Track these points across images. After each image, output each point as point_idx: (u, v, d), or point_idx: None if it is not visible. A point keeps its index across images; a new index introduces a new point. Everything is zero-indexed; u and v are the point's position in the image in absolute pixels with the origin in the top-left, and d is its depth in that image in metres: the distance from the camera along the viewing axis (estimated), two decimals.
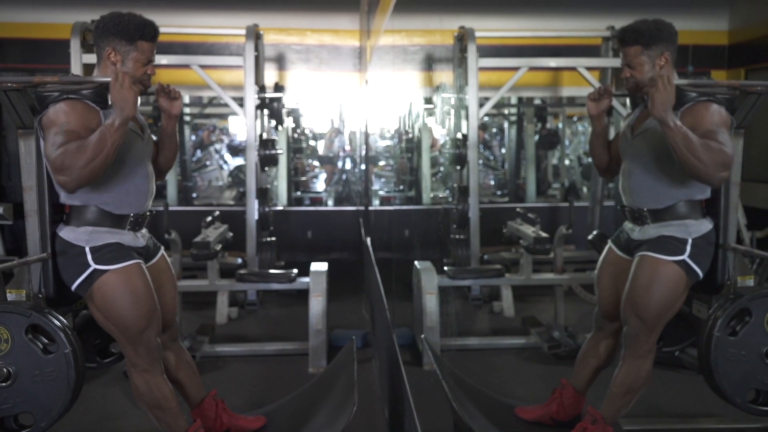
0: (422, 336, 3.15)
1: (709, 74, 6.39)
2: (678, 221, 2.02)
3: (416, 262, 3.47)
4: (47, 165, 1.83)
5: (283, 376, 3.22)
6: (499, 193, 7.69)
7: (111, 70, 1.92)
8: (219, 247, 3.18)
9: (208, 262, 3.30)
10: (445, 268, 3.62)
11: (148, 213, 2.03)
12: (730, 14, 6.29)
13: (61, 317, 1.82)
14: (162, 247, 2.14)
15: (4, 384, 1.75)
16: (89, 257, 1.88)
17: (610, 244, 2.24)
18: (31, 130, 1.88)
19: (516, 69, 4.30)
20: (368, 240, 4.33)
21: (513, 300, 4.15)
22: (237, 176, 9.69)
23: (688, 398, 2.87)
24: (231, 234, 3.71)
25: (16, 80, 1.76)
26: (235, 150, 13.00)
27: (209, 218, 3.36)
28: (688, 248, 2.00)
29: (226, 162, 11.91)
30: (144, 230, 2.06)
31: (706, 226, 2.04)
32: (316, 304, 3.25)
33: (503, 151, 8.03)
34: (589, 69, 4.55)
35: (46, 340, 1.79)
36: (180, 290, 3.49)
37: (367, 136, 5.59)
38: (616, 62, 4.58)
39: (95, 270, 1.88)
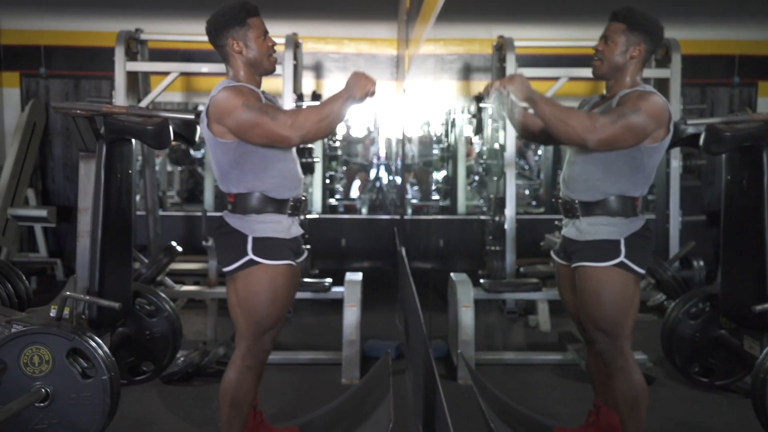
0: (458, 351, 3.11)
1: (756, 85, 6.23)
2: (608, 218, 1.98)
3: (452, 274, 3.43)
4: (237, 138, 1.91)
5: (316, 387, 3.21)
6: (534, 203, 7.59)
7: (241, 62, 2.01)
8: None
9: None
10: (481, 280, 3.57)
11: (303, 197, 2.12)
12: None
13: (101, 343, 1.84)
14: (306, 250, 2.23)
15: (41, 404, 1.78)
16: (249, 246, 1.96)
17: (553, 256, 2.20)
18: (92, 153, 1.92)
19: (556, 79, 4.25)
20: (403, 250, 4.30)
21: (549, 314, 4.07)
22: None
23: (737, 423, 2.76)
24: None
25: (85, 108, 1.81)
26: None
27: None
28: (623, 249, 1.96)
29: None
30: (298, 218, 2.13)
31: (637, 222, 2.00)
32: (350, 315, 3.24)
33: (537, 159, 7.93)
34: None
35: (85, 364, 1.81)
36: (216, 297, 3.54)
37: (404, 144, 5.57)
38: (658, 72, 4.49)
39: (251, 259, 1.96)
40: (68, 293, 1.84)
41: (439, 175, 7.97)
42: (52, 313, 1.82)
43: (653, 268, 3.35)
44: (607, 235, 1.98)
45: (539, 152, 7.86)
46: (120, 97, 3.92)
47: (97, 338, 1.82)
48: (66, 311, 1.84)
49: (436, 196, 7.67)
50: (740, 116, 1.96)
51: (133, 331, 2.16)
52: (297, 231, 2.08)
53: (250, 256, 1.96)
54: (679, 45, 4.44)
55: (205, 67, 4.06)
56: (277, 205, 2.01)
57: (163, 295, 2.28)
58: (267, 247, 1.98)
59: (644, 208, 4.88)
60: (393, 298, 4.86)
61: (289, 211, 2.04)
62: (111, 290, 1.95)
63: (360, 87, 1.94)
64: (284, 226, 2.04)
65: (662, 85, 4.48)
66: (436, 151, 7.07)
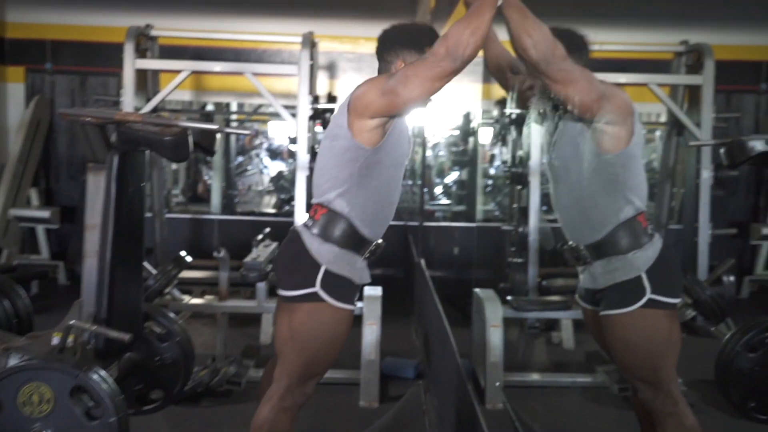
0: (485, 374, 2.92)
1: None
2: (621, 257, 1.76)
3: (477, 290, 3.24)
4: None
5: (333, 410, 3.03)
6: (544, 208, 7.38)
7: None
8: (270, 267, 3.02)
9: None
10: (508, 297, 3.38)
11: (381, 243, 1.89)
12: None
13: (109, 378, 1.63)
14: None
15: None
16: (319, 278, 1.76)
17: (578, 300, 1.98)
18: (102, 165, 1.72)
19: None
20: (422, 261, 4.11)
21: (573, 330, 3.89)
22: (278, 182, 9.61)
23: None
24: None
25: (97, 115, 1.60)
26: (275, 153, 12.98)
27: (260, 236, 3.21)
28: (647, 285, 1.74)
29: (266, 166, 11.87)
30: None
31: (655, 246, 1.78)
32: (370, 333, 3.05)
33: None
34: (660, 85, 4.27)
35: (90, 403, 1.60)
36: (228, 311, 3.35)
37: (424, 147, 5.38)
38: (689, 79, 4.29)
39: (316, 293, 1.76)
40: (73, 321, 1.65)
41: (450, 179, 7.82)
42: (54, 341, 1.64)
43: (689, 286, 3.16)
44: (625, 274, 1.76)
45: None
46: (128, 96, 3.74)
47: (103, 373, 1.63)
48: (70, 338, 1.65)
49: (446, 200, 7.49)
50: None
51: (142, 356, 1.97)
52: (366, 278, 1.87)
53: (317, 289, 1.74)
54: (712, 50, 4.24)
55: (217, 66, 3.88)
56: (359, 243, 1.80)
57: (174, 316, 2.09)
58: (338, 286, 1.76)
59: (669, 220, 4.69)
60: (408, 309, 4.67)
61: (367, 255, 1.84)
62: (120, 317, 1.75)
63: None
64: (359, 270, 1.83)
65: (694, 93, 4.29)
66: (454, 155, 6.88)
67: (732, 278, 3.83)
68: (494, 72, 2.03)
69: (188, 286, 4.05)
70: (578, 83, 1.65)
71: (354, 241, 1.79)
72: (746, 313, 4.85)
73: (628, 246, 1.77)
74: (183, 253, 3.31)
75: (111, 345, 1.71)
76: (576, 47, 1.78)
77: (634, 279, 1.75)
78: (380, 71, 1.85)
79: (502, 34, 1.94)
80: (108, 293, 1.67)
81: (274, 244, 3.33)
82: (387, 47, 1.83)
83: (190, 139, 1.66)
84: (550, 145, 1.89)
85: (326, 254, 1.76)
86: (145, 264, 3.31)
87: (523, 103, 2.00)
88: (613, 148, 1.73)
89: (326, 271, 1.75)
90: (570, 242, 1.87)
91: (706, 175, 4.15)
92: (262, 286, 3.20)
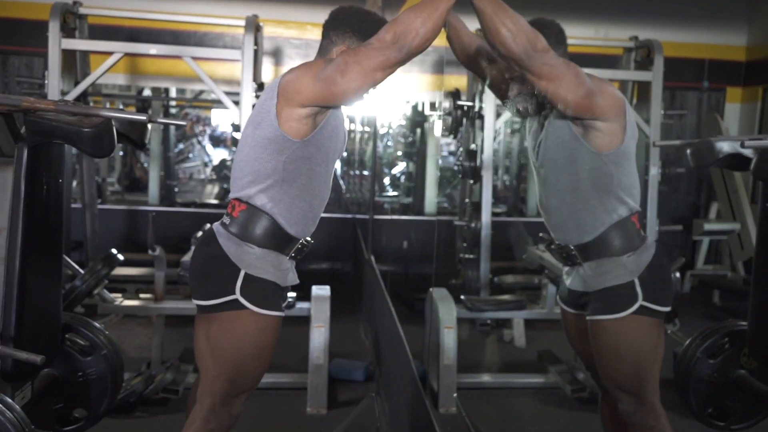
0: (438, 377, 2.81)
1: (724, 91, 6.17)
2: (613, 259, 1.67)
3: (432, 290, 3.12)
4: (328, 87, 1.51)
5: (279, 416, 2.86)
6: (493, 201, 7.37)
7: None
8: None
9: None
10: (462, 297, 3.28)
11: (309, 241, 1.70)
12: (749, 30, 6.04)
13: (14, 405, 1.40)
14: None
15: None
16: (239, 284, 1.57)
17: (560, 303, 1.90)
18: (9, 158, 1.47)
19: None
20: (372, 258, 3.97)
21: (524, 328, 3.84)
22: (221, 171, 9.28)
23: None
24: None
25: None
26: (218, 141, 12.56)
27: (200, 232, 2.98)
28: (639, 291, 1.65)
29: (208, 154, 11.46)
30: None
31: (649, 251, 1.69)
32: (318, 336, 2.89)
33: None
34: (610, 81, 4.26)
35: None
36: (164, 313, 3.12)
37: (375, 137, 5.22)
38: (639, 75, 4.29)
39: (236, 300, 1.57)
40: None
41: (397, 170, 7.70)
42: None
43: None
44: (618, 278, 1.66)
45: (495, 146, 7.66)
46: (53, 79, 3.43)
47: (8, 400, 1.39)
48: None
49: (394, 192, 7.38)
50: None
51: (63, 372, 1.75)
52: (293, 280, 1.69)
53: (237, 296, 1.56)
54: (661, 46, 4.25)
55: (153, 49, 3.59)
56: (284, 242, 1.62)
57: (100, 326, 1.87)
58: (260, 290, 1.58)
59: None
60: (356, 306, 4.53)
61: (293, 254, 1.66)
62: (33, 333, 1.52)
63: None
64: (284, 272, 1.65)
65: (643, 89, 4.30)
66: (404, 147, 6.76)
67: (677, 275, 3.86)
68: (466, 63, 1.87)
69: (121, 285, 3.78)
70: (564, 78, 1.51)
71: (278, 240, 1.61)
72: (689, 308, 4.95)
73: (622, 248, 1.67)
74: (114, 250, 3.05)
75: (23, 365, 1.48)
76: (550, 37, 1.66)
77: (626, 284, 1.66)
78: (321, 49, 1.67)
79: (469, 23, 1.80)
80: (17, 307, 1.44)
81: None
82: (336, 26, 1.65)
83: (116, 131, 1.45)
84: (536, 145, 1.76)
85: (246, 256, 1.58)
86: (72, 263, 3.05)
87: (503, 95, 1.86)
88: (605, 147, 1.62)
89: (246, 275, 1.57)
90: (557, 242, 1.76)
91: (655, 171, 4.17)
92: None
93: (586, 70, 1.62)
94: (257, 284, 1.58)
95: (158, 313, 3.06)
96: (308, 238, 1.69)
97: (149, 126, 1.67)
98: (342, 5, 1.69)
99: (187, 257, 2.80)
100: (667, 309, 1.70)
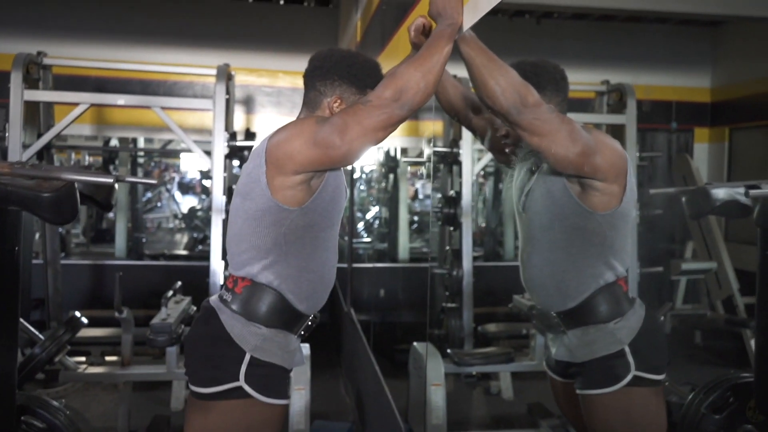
0: None
1: (692, 131, 6.28)
2: (600, 326, 1.56)
3: (416, 344, 2.99)
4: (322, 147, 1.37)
5: None
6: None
7: (327, 115, 1.48)
8: (182, 329, 2.64)
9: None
10: (448, 351, 3.15)
11: (318, 316, 1.56)
12: (712, 72, 6.20)
13: None
14: None
15: None
16: (243, 369, 1.41)
17: (547, 371, 1.78)
18: None
19: None
20: (352, 311, 3.83)
21: (511, 379, 3.71)
22: (191, 220, 9.06)
23: None
24: (195, 308, 3.16)
25: None
26: (187, 188, 12.34)
27: (170, 292, 2.82)
28: (631, 360, 1.53)
29: (177, 202, 11.24)
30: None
31: (637, 315, 1.58)
32: (299, 399, 2.72)
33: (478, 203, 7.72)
34: (584, 124, 4.27)
35: None
36: (131, 380, 2.92)
37: (352, 184, 5.13)
38: (613, 118, 4.32)
39: (240, 388, 1.40)
40: None
41: (371, 215, 7.62)
42: None
43: None
44: (607, 348, 1.54)
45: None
46: (15, 131, 3.27)
47: None
48: None
49: (368, 238, 7.27)
50: None
51: None
52: (300, 361, 1.54)
53: (241, 383, 1.40)
54: (633, 90, 4.30)
55: (121, 99, 3.48)
56: (292, 320, 1.48)
57: (58, 405, 1.70)
58: (267, 377, 1.43)
59: None
60: (335, 360, 4.36)
61: (302, 332, 1.52)
62: None
63: (454, 7, 1.38)
64: (291, 352, 1.49)
65: (617, 132, 4.32)
66: (377, 192, 6.69)
67: (662, 318, 3.80)
68: (452, 113, 1.78)
69: (86, 347, 3.56)
70: (557, 135, 1.40)
71: (286, 318, 1.47)
72: (671, 350, 4.90)
73: (609, 314, 1.55)
74: (77, 313, 2.85)
75: None
76: (550, 83, 1.58)
77: (616, 353, 1.54)
78: (307, 102, 1.53)
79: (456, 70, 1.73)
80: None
81: (186, 300, 2.94)
82: (323, 75, 1.50)
83: (79, 193, 1.32)
84: (522, 194, 1.66)
85: (251, 338, 1.42)
86: (30, 328, 2.85)
87: (497, 149, 1.77)
88: (602, 206, 1.51)
89: (252, 359, 1.41)
90: (539, 307, 1.65)
91: (633, 214, 4.15)
92: (172, 351, 2.80)
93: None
94: (263, 369, 1.43)
95: (125, 380, 2.86)
96: (317, 313, 1.55)
97: (116, 185, 1.54)
98: (320, 50, 1.56)
99: (157, 319, 2.63)
100: (662, 376, 1.58)
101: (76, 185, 1.30)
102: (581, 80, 5.06)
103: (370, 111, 1.35)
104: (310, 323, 1.52)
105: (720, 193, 1.77)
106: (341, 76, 1.49)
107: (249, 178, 1.45)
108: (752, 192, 1.50)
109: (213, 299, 1.52)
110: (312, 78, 1.53)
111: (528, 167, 1.66)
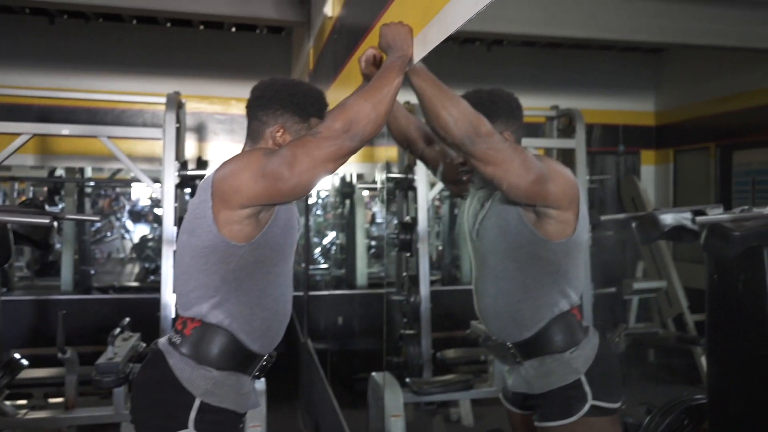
0: None
1: (638, 154, 6.48)
2: (556, 356, 1.57)
3: (374, 375, 2.94)
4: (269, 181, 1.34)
5: None
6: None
7: (271, 146, 1.44)
8: (130, 368, 2.53)
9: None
10: (407, 380, 3.11)
11: (274, 354, 1.50)
12: (656, 96, 6.43)
13: None
14: None
15: None
16: (193, 415, 1.34)
17: (504, 402, 1.78)
18: None
19: None
20: (309, 342, 3.75)
21: (471, 406, 3.70)
22: (142, 250, 8.82)
23: None
24: (144, 345, 3.04)
25: None
26: (138, 216, 12.02)
27: (117, 329, 2.70)
28: (587, 389, 1.54)
29: (128, 231, 10.93)
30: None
31: (592, 343, 1.59)
32: None
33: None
34: (535, 149, 4.36)
35: None
36: (75, 423, 2.78)
37: (307, 210, 5.07)
38: (564, 143, 4.41)
39: None
40: None
41: (327, 241, 7.57)
42: None
43: None
44: (564, 378, 1.55)
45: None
46: None
47: None
48: None
49: (325, 264, 7.21)
50: (746, 212, 1.64)
51: None
52: (255, 404, 1.48)
53: (191, 430, 1.34)
54: (582, 115, 4.41)
55: (65, 129, 3.37)
56: (245, 361, 1.42)
57: None
58: (218, 423, 1.37)
59: None
60: (292, 392, 4.26)
61: (257, 373, 1.47)
62: None
63: (404, 39, 1.38)
64: (245, 395, 1.43)
65: (567, 156, 4.41)
66: (333, 218, 6.65)
67: (618, 339, 3.86)
68: (404, 144, 1.77)
69: (27, 389, 3.38)
70: (511, 164, 1.42)
71: (238, 359, 1.41)
72: (626, 369, 4.97)
73: (564, 344, 1.56)
74: (17, 355, 2.71)
75: None
76: (506, 112, 1.59)
77: (573, 383, 1.54)
78: (251, 133, 1.50)
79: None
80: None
81: (135, 337, 2.83)
82: (264, 104, 1.48)
83: (15, 233, 1.25)
84: (475, 223, 1.65)
85: (201, 381, 1.37)
86: None
87: (449, 180, 1.77)
88: (556, 235, 1.52)
89: (202, 405, 1.35)
90: (492, 336, 1.64)
91: (586, 241, 4.22)
92: (120, 391, 2.68)
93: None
94: (215, 415, 1.37)
95: (69, 424, 2.71)
96: (273, 352, 1.50)
97: (56, 224, 1.47)
98: (262, 80, 1.54)
99: (103, 359, 2.51)
100: (618, 404, 1.59)
101: (9, 226, 1.23)
102: (531, 105, 5.16)
103: (319, 143, 1.33)
104: (264, 363, 1.47)
105: (668, 218, 1.81)
106: (283, 105, 1.47)
107: (195, 214, 1.41)
108: (699, 219, 1.53)
109: (162, 342, 1.45)
110: (254, 108, 1.50)
111: (481, 196, 1.66)
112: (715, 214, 1.61)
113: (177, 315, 1.46)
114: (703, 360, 4.56)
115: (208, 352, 1.39)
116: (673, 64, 6.23)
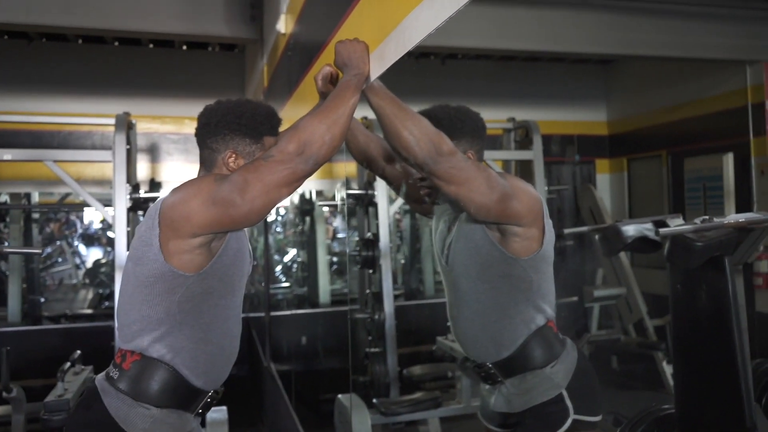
0: None
1: (593, 163, 6.60)
2: (537, 372, 1.55)
3: (340, 397, 2.87)
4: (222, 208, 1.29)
5: None
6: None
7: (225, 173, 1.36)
8: None
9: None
10: (374, 401, 3.05)
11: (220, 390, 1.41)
12: (607, 106, 6.57)
13: None
14: None
15: None
16: None
17: (482, 421, 1.75)
18: None
19: None
20: (272, 365, 3.65)
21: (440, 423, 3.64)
22: (95, 275, 8.53)
23: None
24: None
25: None
26: (91, 239, 11.64)
27: (67, 364, 2.56)
28: (569, 405, 1.53)
29: (81, 255, 10.57)
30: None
31: (571, 356, 1.58)
32: None
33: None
34: (494, 160, 4.38)
35: None
36: None
37: (266, 228, 4.97)
38: (522, 154, 4.45)
39: None
40: None
41: (288, 258, 7.45)
42: None
43: None
44: (546, 393, 1.53)
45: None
46: None
47: None
48: None
49: (286, 282, 7.09)
50: (707, 223, 1.64)
51: None
52: None
53: None
54: (539, 126, 4.46)
55: (7, 154, 3.22)
56: (190, 399, 1.35)
57: None
58: None
59: None
60: (254, 417, 4.14)
61: (200, 410, 1.39)
62: None
63: (360, 57, 1.36)
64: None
65: (524, 166, 4.45)
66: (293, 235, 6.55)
67: (584, 347, 3.87)
68: (364, 163, 1.73)
69: None
70: (474, 182, 1.39)
71: (180, 396, 1.34)
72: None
73: (544, 359, 1.54)
74: None
75: None
76: (472, 130, 1.56)
77: (555, 398, 1.52)
78: (203, 161, 1.44)
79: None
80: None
81: (87, 370, 2.69)
82: (211, 131, 1.41)
83: None
84: (444, 247, 1.62)
85: (140, 421, 1.29)
86: None
87: (413, 199, 1.73)
88: (524, 252, 1.50)
89: None
90: (472, 358, 1.61)
91: (553, 255, 4.25)
92: None
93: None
94: None
95: None
96: (219, 388, 1.42)
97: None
98: (207, 105, 1.48)
99: (52, 396, 2.37)
100: (599, 417, 1.58)
101: None
102: (488, 118, 5.21)
103: (272, 166, 1.28)
104: (209, 400, 1.39)
105: (630, 230, 1.81)
106: (231, 129, 1.40)
107: (141, 241, 1.34)
108: (662, 231, 1.53)
109: (99, 378, 1.37)
110: (202, 136, 1.44)
111: (447, 218, 1.63)
112: (677, 224, 1.62)
113: (117, 348, 1.38)
114: (665, 365, 4.63)
115: (147, 388, 1.31)
116: (622, 74, 6.39)
